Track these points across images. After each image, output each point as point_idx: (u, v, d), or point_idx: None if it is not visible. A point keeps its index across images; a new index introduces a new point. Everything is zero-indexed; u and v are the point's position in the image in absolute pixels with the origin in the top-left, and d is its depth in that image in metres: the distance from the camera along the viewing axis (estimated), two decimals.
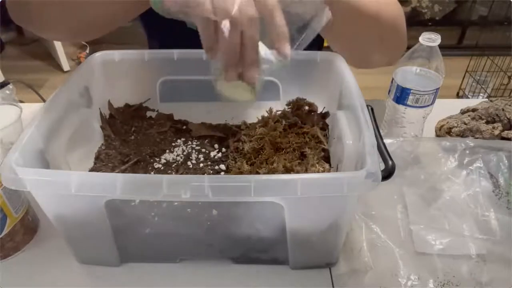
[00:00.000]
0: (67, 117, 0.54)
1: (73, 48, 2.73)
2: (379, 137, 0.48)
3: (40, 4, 0.49)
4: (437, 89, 0.62)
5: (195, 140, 0.65)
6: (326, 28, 0.46)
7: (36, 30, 0.54)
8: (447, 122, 0.71)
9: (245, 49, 0.41)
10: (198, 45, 0.62)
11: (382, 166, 0.43)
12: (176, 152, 0.62)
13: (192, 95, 0.67)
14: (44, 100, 0.90)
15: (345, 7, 0.48)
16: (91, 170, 0.58)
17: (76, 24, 0.51)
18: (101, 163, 0.59)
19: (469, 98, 2.10)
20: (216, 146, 0.64)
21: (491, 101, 0.73)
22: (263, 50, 0.42)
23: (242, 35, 0.40)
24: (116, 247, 0.49)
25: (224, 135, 0.66)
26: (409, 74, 0.63)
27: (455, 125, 0.70)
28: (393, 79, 0.65)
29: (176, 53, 0.63)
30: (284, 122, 0.59)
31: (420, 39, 0.61)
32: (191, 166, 0.60)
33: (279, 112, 0.63)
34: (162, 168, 0.59)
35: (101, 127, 0.63)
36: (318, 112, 0.64)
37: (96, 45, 2.47)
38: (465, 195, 0.58)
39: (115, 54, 0.62)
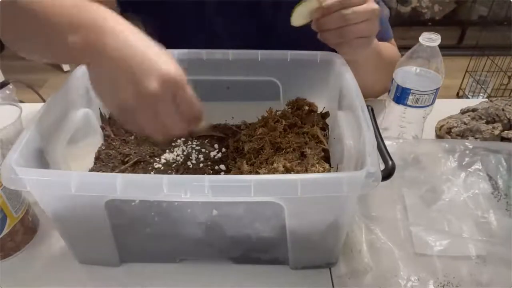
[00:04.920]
0: (67, 117, 0.54)
1: None
2: (379, 137, 0.48)
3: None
4: (437, 89, 0.62)
5: (195, 140, 0.65)
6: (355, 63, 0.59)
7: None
8: (447, 122, 0.71)
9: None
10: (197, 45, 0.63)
11: (382, 166, 0.43)
12: (176, 152, 0.62)
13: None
14: (44, 100, 0.90)
15: (373, 47, 0.64)
16: (91, 170, 0.58)
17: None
18: (101, 163, 0.59)
19: (469, 98, 2.10)
20: (216, 146, 0.64)
21: (491, 101, 0.73)
22: None
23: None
24: (116, 247, 0.49)
25: (224, 135, 0.66)
26: (409, 74, 0.63)
27: (455, 125, 0.70)
28: (393, 79, 0.65)
29: (176, 53, 0.63)
30: (284, 122, 0.59)
31: (420, 39, 0.61)
32: (191, 166, 0.60)
33: (279, 112, 0.63)
34: (162, 168, 0.59)
35: (101, 127, 0.63)
36: (318, 112, 0.64)
37: None
38: (464, 197, 0.58)
39: None
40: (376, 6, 0.58)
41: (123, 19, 0.42)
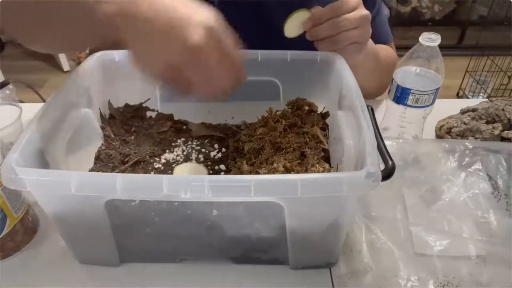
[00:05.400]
0: (67, 117, 0.54)
1: None
2: (379, 137, 0.48)
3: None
4: (437, 89, 0.62)
5: (195, 140, 0.65)
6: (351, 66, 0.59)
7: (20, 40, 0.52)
8: (447, 122, 0.71)
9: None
10: None
11: (382, 166, 0.43)
12: (176, 152, 0.62)
13: (192, 95, 0.67)
14: (44, 100, 0.90)
15: (369, 51, 0.67)
16: (91, 170, 0.58)
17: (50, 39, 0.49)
18: (101, 163, 0.59)
19: (469, 98, 2.10)
20: (216, 146, 0.64)
21: (491, 101, 0.73)
22: None
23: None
24: (116, 247, 0.49)
25: (224, 135, 0.66)
26: (409, 74, 0.63)
27: (455, 125, 0.70)
28: (393, 79, 0.65)
29: None
30: (284, 122, 0.59)
31: (420, 39, 0.61)
32: None
33: (279, 112, 0.63)
34: (162, 168, 0.59)
35: (101, 127, 0.63)
36: (318, 112, 0.64)
37: None
38: (464, 197, 0.58)
39: (115, 54, 0.62)
40: (366, 12, 0.59)
41: None
